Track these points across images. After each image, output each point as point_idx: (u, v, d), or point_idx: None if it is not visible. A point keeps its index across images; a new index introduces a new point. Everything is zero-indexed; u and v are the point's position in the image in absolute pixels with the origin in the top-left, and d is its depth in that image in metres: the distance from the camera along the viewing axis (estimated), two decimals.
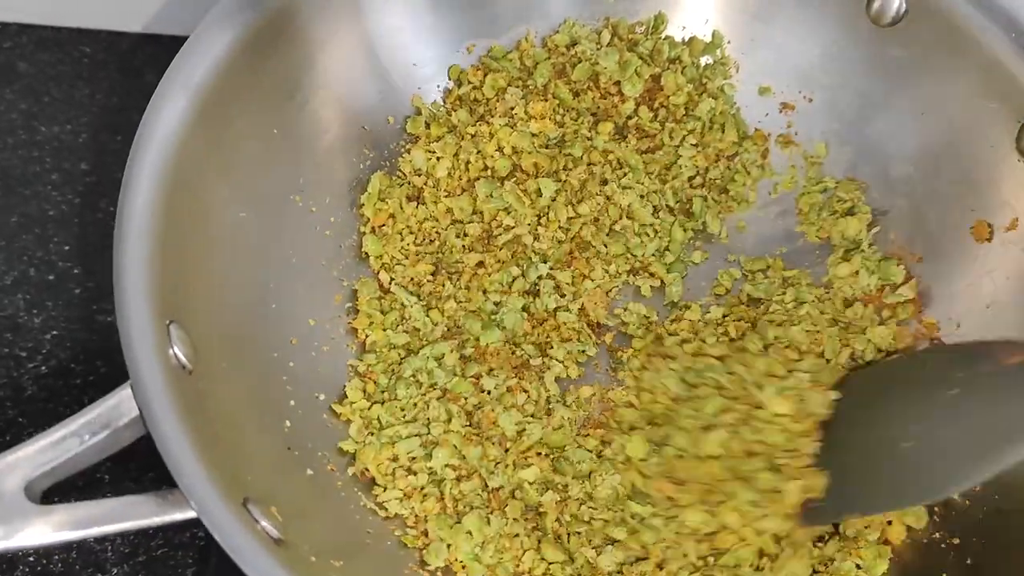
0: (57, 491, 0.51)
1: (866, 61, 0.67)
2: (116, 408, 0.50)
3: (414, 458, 0.59)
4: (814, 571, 0.57)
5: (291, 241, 0.62)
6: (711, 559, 0.57)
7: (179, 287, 0.52)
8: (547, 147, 0.67)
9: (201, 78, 0.56)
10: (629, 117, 0.69)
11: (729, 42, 0.71)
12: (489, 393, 0.62)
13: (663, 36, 0.70)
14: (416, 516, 0.58)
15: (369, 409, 0.61)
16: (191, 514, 0.48)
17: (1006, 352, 0.52)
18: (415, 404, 0.61)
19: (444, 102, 0.68)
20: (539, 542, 0.58)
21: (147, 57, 0.76)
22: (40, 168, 0.72)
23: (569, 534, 0.59)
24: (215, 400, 0.52)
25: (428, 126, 0.67)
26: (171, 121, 0.54)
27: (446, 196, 0.66)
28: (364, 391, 0.61)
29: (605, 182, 0.67)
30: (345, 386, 0.61)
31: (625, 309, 0.66)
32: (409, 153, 0.67)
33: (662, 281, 0.67)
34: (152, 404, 0.48)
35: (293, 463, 0.56)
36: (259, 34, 0.59)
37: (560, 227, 0.66)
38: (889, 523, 0.58)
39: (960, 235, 0.64)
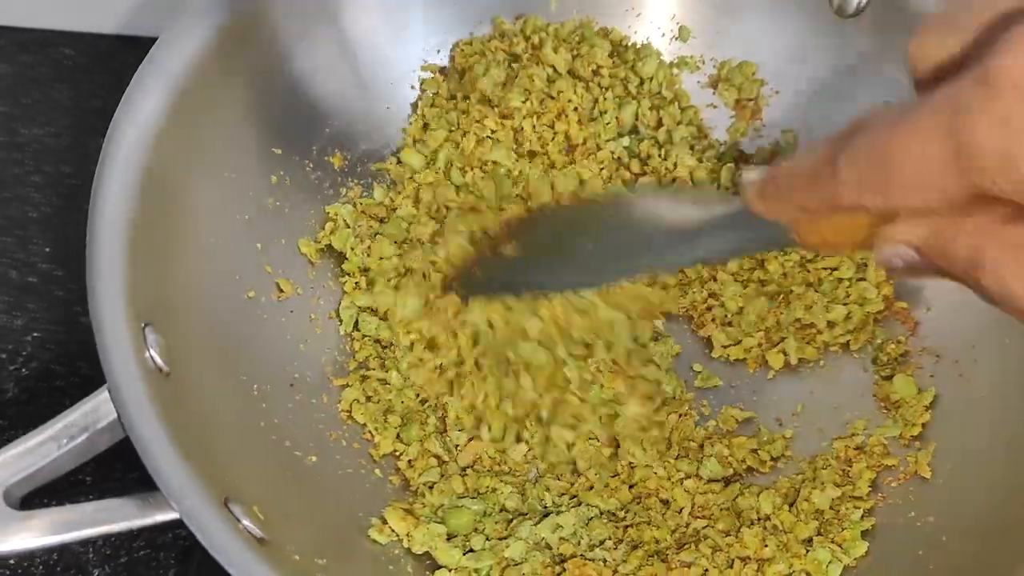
0: (39, 494, 0.48)
1: (832, 53, 0.65)
2: (94, 412, 0.47)
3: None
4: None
5: (265, 243, 0.59)
6: None
7: (153, 290, 0.50)
8: None
9: (174, 75, 0.54)
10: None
11: (695, 37, 0.68)
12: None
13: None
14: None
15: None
16: (173, 515, 0.46)
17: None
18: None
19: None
20: None
21: (128, 59, 0.71)
22: (21, 170, 0.69)
23: None
24: (193, 401, 0.49)
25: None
26: (144, 118, 0.52)
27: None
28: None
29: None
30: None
31: None
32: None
33: None
34: (130, 407, 0.46)
35: (273, 462, 0.54)
36: (230, 33, 0.56)
37: None
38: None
39: None
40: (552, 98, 0.65)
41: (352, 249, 0.62)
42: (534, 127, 0.65)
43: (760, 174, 0.40)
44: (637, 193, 0.60)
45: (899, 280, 0.43)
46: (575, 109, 0.65)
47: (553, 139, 0.65)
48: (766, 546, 0.55)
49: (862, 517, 0.56)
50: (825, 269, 0.62)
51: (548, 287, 0.54)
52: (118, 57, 0.74)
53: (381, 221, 0.63)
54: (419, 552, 0.55)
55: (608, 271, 0.52)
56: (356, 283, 0.61)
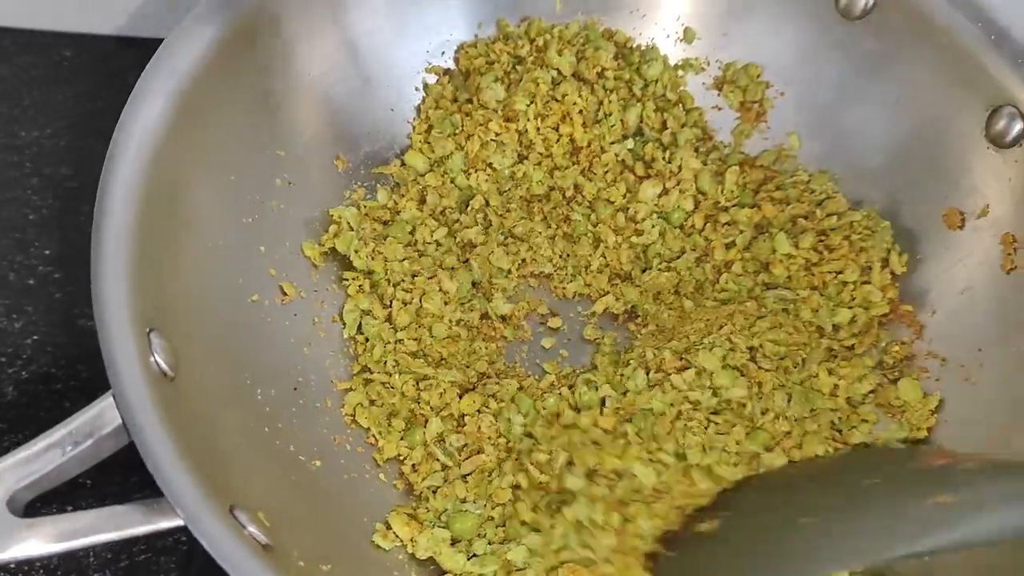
0: (40, 498, 0.47)
1: (837, 55, 0.65)
2: (98, 418, 0.46)
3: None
4: None
5: (269, 247, 0.59)
6: None
7: (158, 294, 0.49)
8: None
9: (179, 78, 0.53)
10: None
11: (700, 39, 0.68)
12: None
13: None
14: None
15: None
16: (177, 522, 0.45)
17: (932, 455, 0.51)
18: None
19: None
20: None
21: (128, 60, 0.74)
22: (20, 173, 0.68)
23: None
24: (198, 407, 0.49)
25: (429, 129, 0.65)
26: (149, 121, 0.51)
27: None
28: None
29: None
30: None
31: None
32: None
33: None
34: (135, 413, 0.45)
35: (277, 467, 0.53)
36: (235, 36, 0.56)
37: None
38: None
39: (933, 223, 0.62)
40: (556, 101, 0.64)
41: (356, 252, 0.61)
42: (538, 130, 0.64)
43: None
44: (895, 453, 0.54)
45: None
46: (579, 112, 0.64)
47: (558, 142, 0.65)
48: None
49: None
50: (830, 273, 0.62)
51: None
52: (117, 58, 0.74)
53: (385, 224, 0.63)
54: (423, 557, 0.54)
55: (838, 557, 0.44)
56: (360, 286, 0.61)
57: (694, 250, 0.64)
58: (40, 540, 0.44)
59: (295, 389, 0.57)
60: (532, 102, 0.64)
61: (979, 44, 0.59)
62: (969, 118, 0.60)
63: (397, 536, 0.54)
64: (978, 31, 0.59)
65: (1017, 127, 0.58)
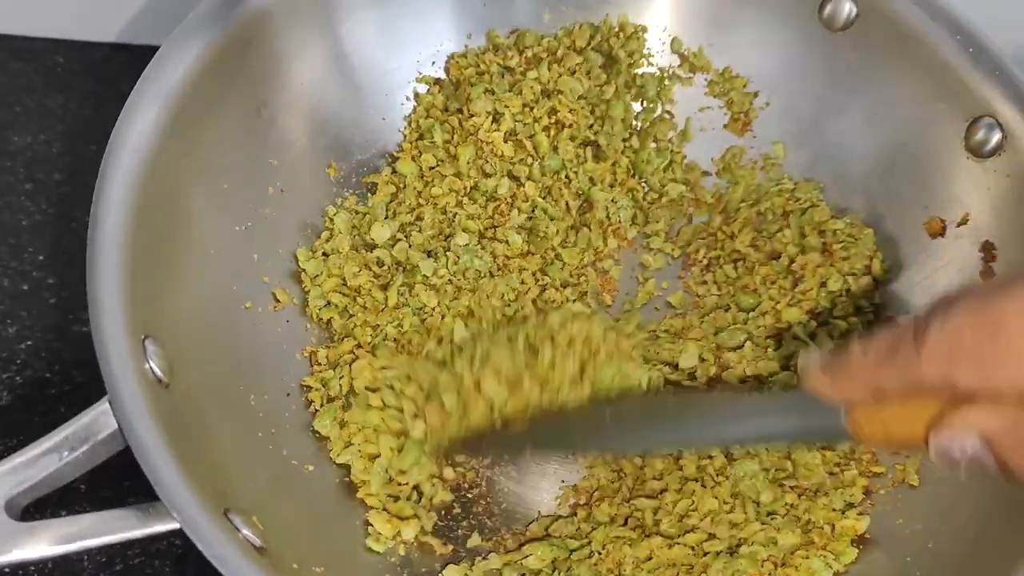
0: (34, 503, 0.48)
1: (821, 66, 0.66)
2: (94, 423, 0.47)
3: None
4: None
5: (262, 254, 0.59)
6: None
7: (153, 301, 0.50)
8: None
9: (173, 89, 0.53)
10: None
11: (686, 49, 0.68)
12: None
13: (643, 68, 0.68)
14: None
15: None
16: (173, 525, 0.46)
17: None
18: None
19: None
20: None
21: (120, 67, 0.74)
22: (13, 178, 0.69)
23: None
24: (192, 412, 0.49)
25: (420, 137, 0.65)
26: (143, 131, 0.52)
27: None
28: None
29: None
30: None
31: None
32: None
33: None
34: (131, 419, 0.45)
35: (271, 471, 0.54)
36: (227, 47, 0.56)
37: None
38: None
39: (915, 231, 0.63)
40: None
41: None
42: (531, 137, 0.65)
43: (823, 354, 0.40)
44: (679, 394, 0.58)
45: (950, 472, 0.41)
46: (569, 125, 0.65)
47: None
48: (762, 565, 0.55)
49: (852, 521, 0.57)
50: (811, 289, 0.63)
51: (557, 451, 0.55)
52: (110, 65, 0.74)
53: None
54: (412, 539, 0.55)
55: (628, 442, 0.52)
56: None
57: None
58: (39, 543, 0.45)
59: (288, 395, 0.57)
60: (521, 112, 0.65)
61: (958, 56, 0.60)
62: (949, 129, 0.61)
63: (390, 539, 0.55)
64: (957, 44, 0.60)
65: (995, 137, 0.59)
